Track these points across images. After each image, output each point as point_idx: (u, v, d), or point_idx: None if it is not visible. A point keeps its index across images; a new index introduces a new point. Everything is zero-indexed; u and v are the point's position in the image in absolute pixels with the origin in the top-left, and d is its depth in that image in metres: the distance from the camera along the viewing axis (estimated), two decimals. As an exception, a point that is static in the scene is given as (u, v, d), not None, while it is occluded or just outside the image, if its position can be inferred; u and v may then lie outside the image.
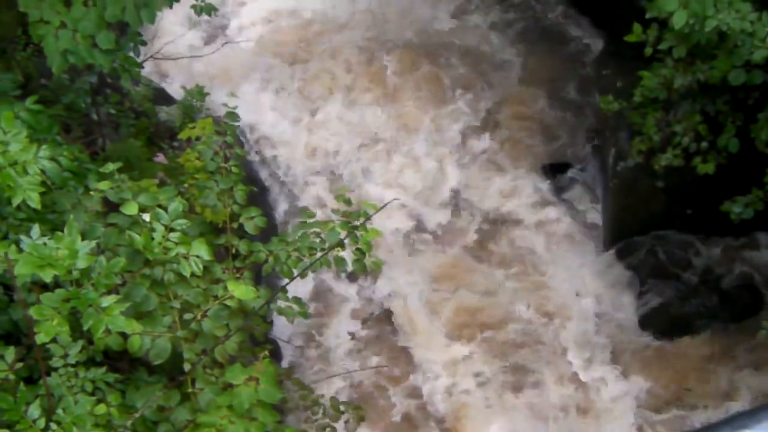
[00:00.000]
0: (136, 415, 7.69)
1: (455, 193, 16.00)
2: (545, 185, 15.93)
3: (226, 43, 15.74)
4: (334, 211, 9.34)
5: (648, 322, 14.31)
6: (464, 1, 18.50)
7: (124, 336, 7.55)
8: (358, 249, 9.02)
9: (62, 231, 6.97)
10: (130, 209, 8.04)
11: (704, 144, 12.49)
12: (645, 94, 12.58)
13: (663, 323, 14.21)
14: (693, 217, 14.26)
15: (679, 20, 10.92)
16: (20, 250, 6.82)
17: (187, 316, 8.15)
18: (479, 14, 18.23)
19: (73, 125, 11.49)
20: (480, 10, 18.30)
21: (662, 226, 14.53)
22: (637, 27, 12.10)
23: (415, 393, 14.07)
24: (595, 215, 15.45)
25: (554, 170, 16.09)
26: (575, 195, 15.76)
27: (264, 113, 16.81)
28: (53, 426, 7.15)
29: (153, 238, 7.83)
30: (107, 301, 6.97)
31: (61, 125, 10.55)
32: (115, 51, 9.81)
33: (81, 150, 9.20)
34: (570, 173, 16.00)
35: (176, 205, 8.12)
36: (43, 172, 7.86)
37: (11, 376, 7.34)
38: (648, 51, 12.04)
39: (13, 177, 7.51)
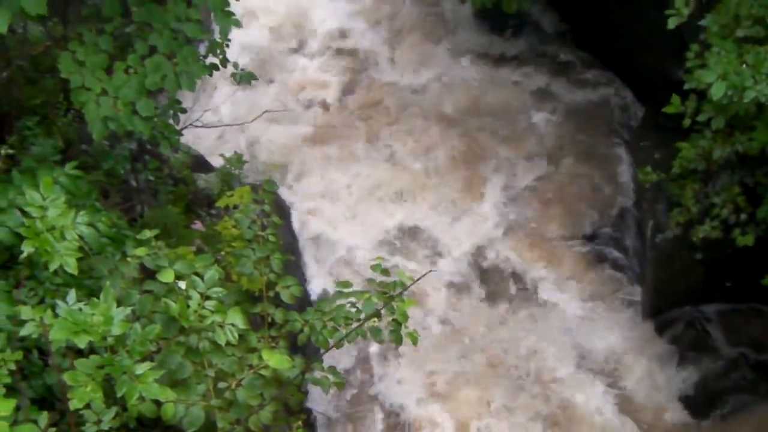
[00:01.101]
0: (169, 483, 7.66)
1: (492, 257, 15.93)
2: (583, 255, 15.82)
3: (266, 111, 15.83)
4: (370, 281, 9.32)
5: (686, 398, 14.09)
6: (497, 58, 18.62)
7: (158, 403, 7.53)
8: (394, 320, 8.98)
9: (98, 297, 7.00)
10: (167, 276, 8.07)
11: (743, 216, 12.39)
12: (683, 166, 12.53)
13: (701, 399, 13.99)
14: (732, 290, 14.11)
15: (717, 91, 10.89)
16: (56, 315, 6.85)
17: (222, 384, 8.13)
18: (515, 71, 18.36)
19: (112, 191, 11.57)
20: (516, 68, 18.41)
21: (701, 299, 14.37)
22: (675, 98, 12.08)
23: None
24: (633, 287, 15.30)
25: (592, 240, 15.99)
26: (613, 266, 15.63)
27: (303, 180, 16.89)
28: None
29: (189, 306, 7.85)
30: (142, 368, 6.98)
31: (100, 191, 10.63)
32: (155, 118, 9.93)
33: (119, 216, 9.27)
34: (608, 245, 15.89)
35: (212, 273, 8.15)
36: (80, 237, 7.92)
37: (44, 442, 7.32)
38: (686, 122, 12.01)
39: (51, 242, 7.57)
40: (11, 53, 10.38)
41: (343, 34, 19.53)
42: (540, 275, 15.68)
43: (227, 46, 10.96)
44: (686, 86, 11.69)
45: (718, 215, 12.55)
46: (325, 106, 18.26)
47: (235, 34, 10.62)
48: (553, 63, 18.37)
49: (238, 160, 14.43)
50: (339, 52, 19.22)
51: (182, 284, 8.06)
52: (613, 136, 17.09)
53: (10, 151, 9.24)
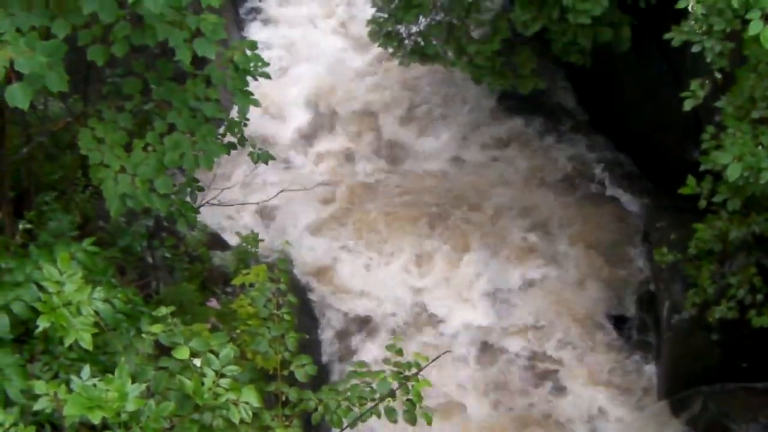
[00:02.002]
0: None
1: (513, 336, 15.91)
2: (599, 336, 15.76)
3: (283, 190, 15.90)
4: (385, 360, 9.29)
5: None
6: (513, 140, 18.73)
7: (172, 480, 7.48)
8: (409, 400, 8.93)
9: (113, 373, 6.98)
10: (182, 353, 8.04)
11: (759, 296, 12.37)
12: (699, 247, 12.55)
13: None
14: (749, 370, 14.01)
15: (733, 173, 10.92)
16: (70, 391, 6.83)
17: (235, 462, 8.06)
18: (529, 154, 18.44)
19: (128, 268, 11.60)
20: (530, 150, 18.50)
21: (717, 379, 14.26)
22: (691, 180, 12.13)
23: None
24: (649, 367, 15.21)
25: (609, 321, 15.95)
26: (629, 346, 15.56)
27: (318, 257, 16.94)
28: None
29: (203, 383, 7.81)
30: (155, 444, 6.93)
31: (117, 267, 10.66)
32: (173, 196, 9.99)
33: (135, 293, 9.26)
34: (624, 325, 15.84)
35: (228, 351, 8.13)
36: (96, 313, 7.92)
37: None
38: (702, 203, 12.05)
39: (67, 317, 7.57)
40: (32, 129, 10.48)
41: (363, 115, 19.66)
42: (557, 356, 15.63)
43: (245, 125, 11.03)
44: (702, 167, 11.74)
45: (734, 296, 12.53)
46: (341, 186, 18.33)
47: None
48: (567, 143, 18.45)
49: (254, 238, 14.48)
50: (358, 134, 19.33)
51: (197, 361, 8.03)
52: (627, 218, 17.11)
53: (28, 226, 9.30)
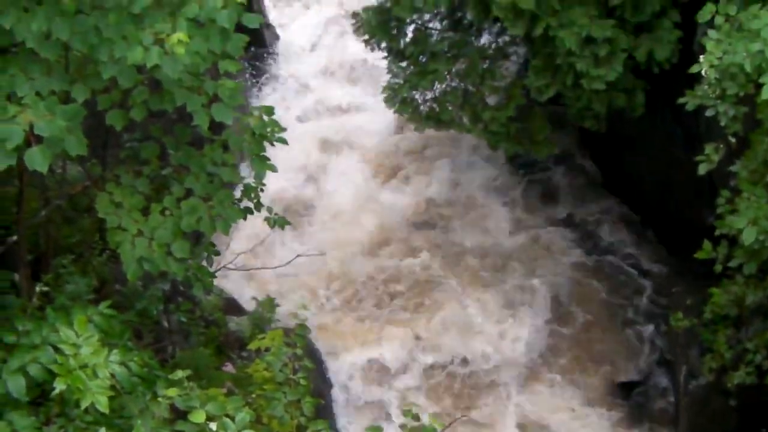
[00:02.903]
0: None
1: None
2: (615, 404, 15.68)
3: (299, 255, 15.95)
4: (401, 426, 9.28)
5: None
6: (526, 213, 18.76)
7: None
8: (424, 462, 8.91)
9: (129, 435, 6.98)
10: (198, 417, 8.05)
11: (777, 361, 12.31)
12: (715, 311, 12.52)
13: None
14: (768, 436, 13.91)
15: (749, 237, 10.92)
16: (86, 453, 6.83)
17: None
18: (542, 218, 18.48)
19: (145, 331, 11.63)
20: (544, 214, 18.56)
21: (736, 445, 14.17)
22: (706, 244, 12.13)
23: None
24: (668, 432, 15.15)
25: (625, 388, 15.85)
26: (645, 413, 15.45)
27: (334, 323, 16.96)
28: None
29: (219, 446, 7.81)
30: (170, 508, 6.91)
31: (133, 331, 10.68)
32: (190, 260, 10.02)
33: (151, 356, 9.28)
34: (640, 391, 15.74)
35: (243, 415, 8.14)
36: (112, 376, 7.93)
37: None
38: (718, 268, 12.03)
39: (83, 380, 7.60)
40: (50, 192, 10.57)
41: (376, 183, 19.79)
42: (570, 428, 15.56)
43: (261, 191, 11.08)
44: (717, 232, 11.74)
45: (752, 361, 12.46)
46: (354, 249, 18.38)
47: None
48: (581, 205, 18.48)
49: (270, 303, 14.50)
50: (372, 199, 19.41)
51: (213, 426, 8.04)
52: (641, 282, 17.08)
53: (45, 289, 9.35)
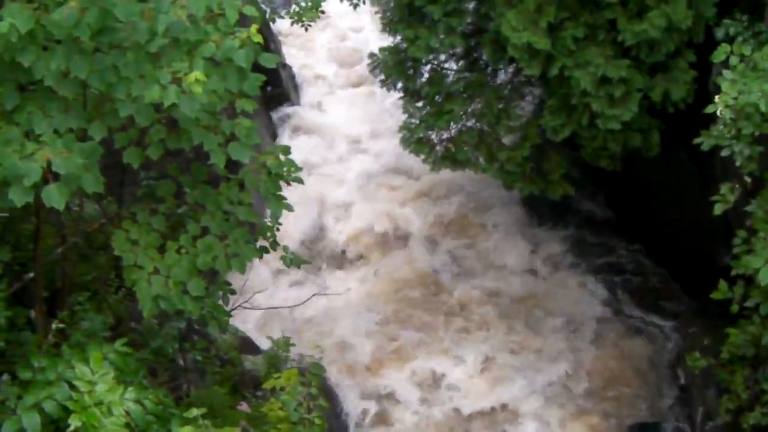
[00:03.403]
0: None
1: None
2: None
3: (316, 294, 15.98)
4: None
5: None
6: (540, 246, 18.75)
7: None
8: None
9: (143, 472, 6.98)
10: (212, 454, 8.05)
11: (794, 402, 12.24)
12: (732, 352, 12.46)
13: None
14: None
15: (765, 277, 10.90)
16: (100, 490, 6.82)
17: None
18: (555, 263, 18.46)
19: (160, 369, 11.64)
20: (557, 259, 18.53)
21: (753, 487, 14.05)
22: (723, 284, 12.10)
23: None
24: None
25: (642, 430, 15.77)
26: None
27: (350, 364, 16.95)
28: None
29: (233, 485, 7.80)
30: None
31: (148, 369, 10.69)
32: (205, 298, 10.04)
33: (166, 394, 9.28)
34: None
35: (257, 452, 8.13)
36: (127, 413, 7.94)
37: None
38: (734, 308, 12.00)
39: (98, 417, 7.61)
40: (66, 230, 10.62)
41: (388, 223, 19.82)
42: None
43: (277, 230, 11.11)
44: (734, 272, 11.71)
45: (768, 401, 12.41)
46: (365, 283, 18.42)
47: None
48: (594, 251, 18.46)
49: (285, 342, 14.48)
50: (383, 238, 19.43)
51: (227, 463, 8.04)
52: (657, 324, 17.03)
53: (61, 326, 9.37)
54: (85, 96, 8.69)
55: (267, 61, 8.71)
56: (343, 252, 19.15)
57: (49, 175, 7.80)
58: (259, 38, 8.41)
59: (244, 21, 8.77)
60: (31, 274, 9.96)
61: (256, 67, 8.58)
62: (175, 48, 8.32)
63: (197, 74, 8.01)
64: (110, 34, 8.27)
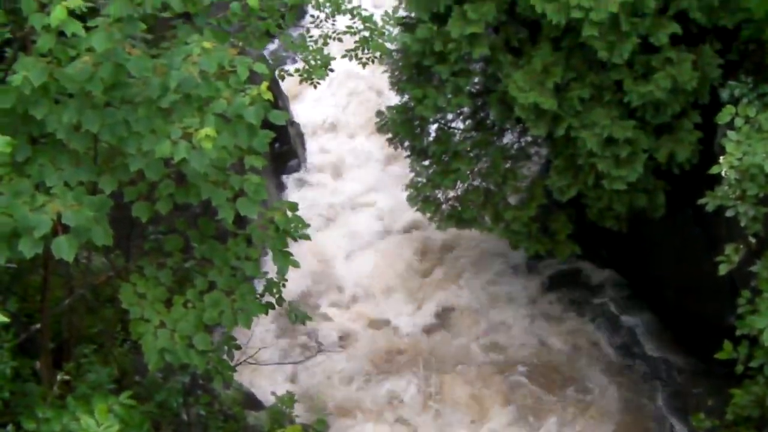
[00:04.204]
0: None
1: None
2: None
3: (320, 351, 15.99)
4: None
5: None
6: (545, 305, 18.72)
7: None
8: None
9: None
10: (214, 508, 8.05)
11: (802, 466, 12.17)
12: (737, 413, 12.40)
13: None
14: None
15: (768, 338, 10.91)
16: None
17: None
18: (560, 321, 18.43)
19: (164, 423, 11.64)
20: (561, 317, 18.51)
21: None
22: (727, 344, 12.10)
23: None
24: None
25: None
26: None
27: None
28: None
29: None
30: None
31: (152, 422, 10.70)
32: (210, 353, 10.07)
33: (170, 447, 9.31)
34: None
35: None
36: (131, 466, 7.96)
37: None
38: (739, 368, 11.98)
39: (102, 468, 7.62)
40: (74, 282, 10.68)
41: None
42: None
43: (283, 286, 11.14)
44: (738, 332, 11.71)
45: (775, 461, 12.34)
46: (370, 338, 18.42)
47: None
48: (599, 311, 18.44)
49: (289, 399, 14.47)
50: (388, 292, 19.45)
51: None
52: (661, 381, 16.97)
53: (67, 378, 9.41)
54: (95, 149, 8.79)
55: (276, 118, 8.80)
56: (347, 306, 19.17)
57: (59, 227, 7.87)
58: (269, 95, 8.50)
59: (254, 78, 8.89)
60: (38, 325, 10.02)
61: (265, 124, 8.67)
62: (187, 104, 8.42)
63: (208, 130, 8.09)
64: (122, 89, 8.40)
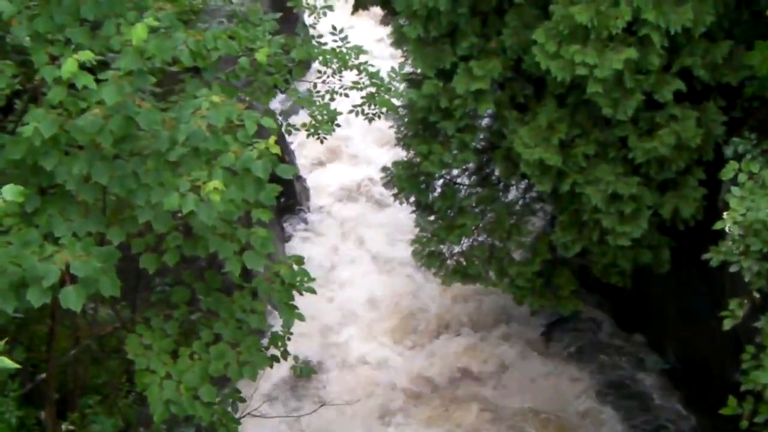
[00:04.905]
0: None
1: None
2: None
3: (323, 405, 15.94)
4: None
5: None
6: (549, 367, 18.69)
7: None
8: None
9: None
10: None
11: None
12: (744, 463, 12.33)
13: None
14: None
15: (773, 393, 10.89)
16: None
17: None
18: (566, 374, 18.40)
19: (168, 477, 11.63)
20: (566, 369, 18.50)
21: None
22: (732, 400, 12.04)
23: None
24: None
25: None
26: None
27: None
28: None
29: None
30: None
31: (158, 477, 10.70)
32: (216, 405, 10.08)
33: (173, 499, 9.30)
34: None
35: None
36: None
37: None
38: (744, 424, 11.91)
39: None
40: (80, 333, 10.72)
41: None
42: None
43: (288, 339, 11.16)
44: (743, 388, 11.68)
45: None
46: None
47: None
48: (603, 360, 18.40)
49: (293, 452, 14.45)
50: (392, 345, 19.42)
51: None
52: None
53: (71, 428, 9.42)
54: (104, 201, 8.87)
55: (284, 172, 8.89)
56: (352, 360, 19.16)
57: (67, 278, 7.92)
58: (277, 149, 8.59)
59: (261, 132, 8.99)
60: (43, 375, 10.04)
61: (272, 178, 8.74)
62: (195, 157, 8.52)
63: (216, 183, 8.17)
64: (131, 142, 8.50)
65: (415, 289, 20.50)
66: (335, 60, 13.65)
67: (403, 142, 17.21)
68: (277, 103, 20.57)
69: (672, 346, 17.24)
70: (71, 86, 8.25)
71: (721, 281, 14.08)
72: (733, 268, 11.45)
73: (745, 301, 11.44)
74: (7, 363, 5.30)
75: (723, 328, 11.60)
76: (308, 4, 14.41)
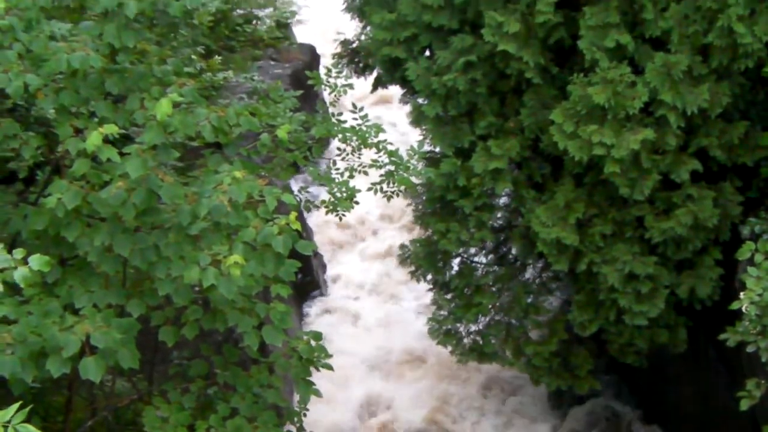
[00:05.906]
0: None
1: None
2: None
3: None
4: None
5: None
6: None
7: None
8: None
9: None
10: None
11: None
12: None
13: None
14: None
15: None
16: None
17: None
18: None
19: None
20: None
21: None
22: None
23: None
24: None
25: None
26: None
27: None
28: None
29: None
30: None
31: None
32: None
33: None
34: None
35: None
36: None
37: None
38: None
39: None
40: (97, 404, 10.73)
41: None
42: None
43: (305, 415, 11.14)
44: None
45: None
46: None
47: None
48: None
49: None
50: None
51: None
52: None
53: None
54: (124, 273, 8.95)
55: (303, 248, 8.94)
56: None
57: (87, 348, 7.98)
58: (297, 225, 8.67)
59: (281, 208, 9.08)
60: (59, 447, 10.06)
61: (291, 254, 8.80)
62: (216, 231, 8.61)
63: (236, 257, 8.25)
64: (153, 215, 8.59)
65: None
66: (355, 138, 13.79)
67: (420, 220, 17.30)
68: (301, 182, 20.75)
69: (689, 426, 17.12)
70: (93, 158, 8.38)
71: (739, 361, 14.04)
72: (749, 348, 11.43)
73: (763, 382, 11.41)
74: (32, 430, 5.35)
75: (740, 409, 11.56)
76: (328, 82, 14.58)
